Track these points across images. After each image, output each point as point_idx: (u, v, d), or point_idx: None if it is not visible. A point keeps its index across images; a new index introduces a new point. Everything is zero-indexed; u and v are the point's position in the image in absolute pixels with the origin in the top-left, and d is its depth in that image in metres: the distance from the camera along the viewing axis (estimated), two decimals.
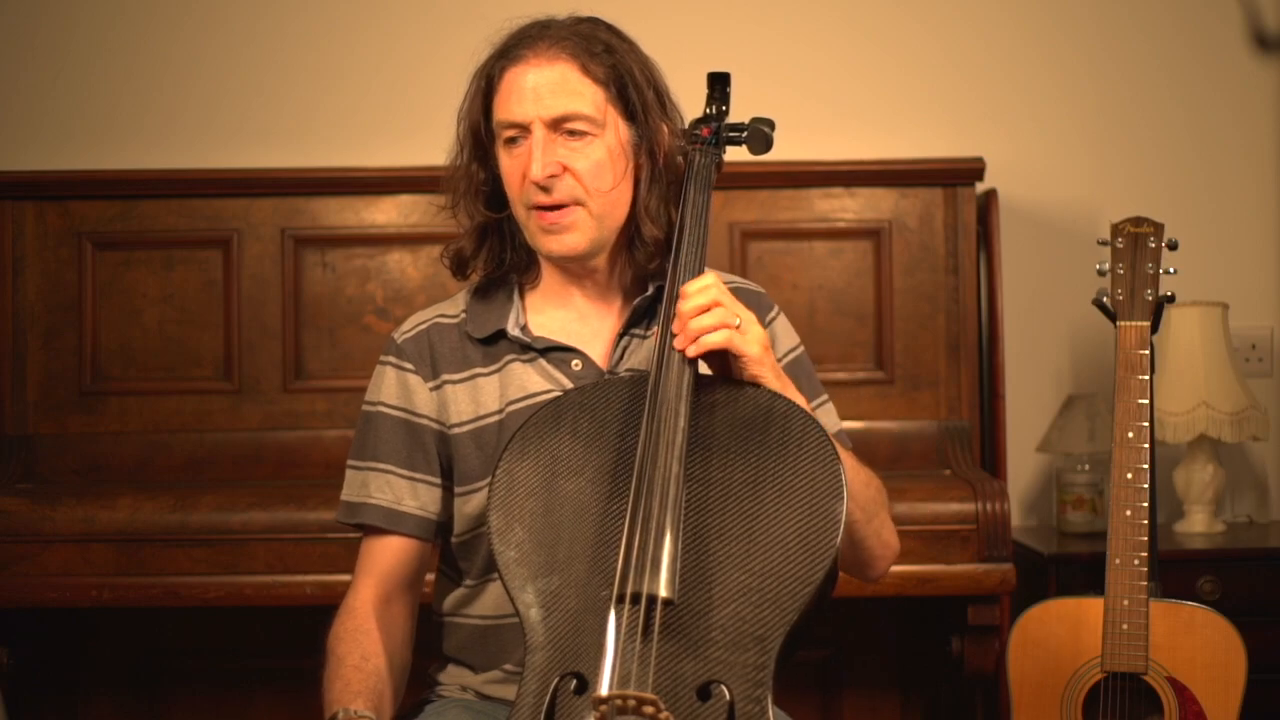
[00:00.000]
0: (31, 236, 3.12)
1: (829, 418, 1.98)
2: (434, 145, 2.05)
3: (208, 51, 3.37)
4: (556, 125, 1.86)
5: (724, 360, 1.79)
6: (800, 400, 1.80)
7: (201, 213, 3.15)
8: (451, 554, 1.97)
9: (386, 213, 3.16)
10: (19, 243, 3.11)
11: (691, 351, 1.74)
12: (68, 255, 3.12)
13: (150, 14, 3.37)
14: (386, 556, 1.93)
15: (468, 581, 1.95)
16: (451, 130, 2.00)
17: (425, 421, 1.94)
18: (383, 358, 1.98)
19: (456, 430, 1.93)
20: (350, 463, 1.97)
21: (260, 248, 3.14)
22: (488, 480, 1.79)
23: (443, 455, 1.94)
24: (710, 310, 1.75)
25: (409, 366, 1.95)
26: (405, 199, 3.16)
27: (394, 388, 1.95)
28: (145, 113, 3.36)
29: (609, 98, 1.88)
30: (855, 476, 1.81)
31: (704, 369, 1.81)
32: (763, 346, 1.78)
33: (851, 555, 1.90)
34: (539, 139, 1.86)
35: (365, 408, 1.97)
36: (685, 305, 1.75)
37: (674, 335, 1.76)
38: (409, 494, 1.93)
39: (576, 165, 1.86)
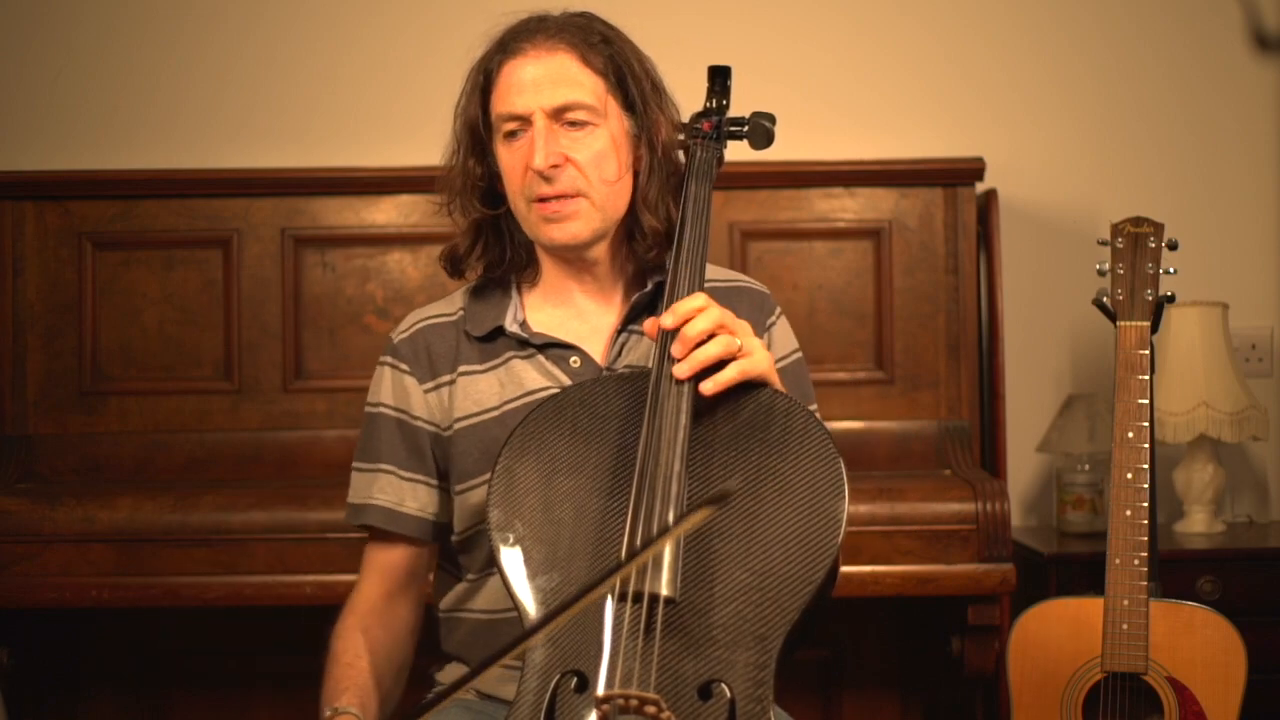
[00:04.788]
0: (31, 236, 3.11)
1: None
2: (433, 145, 2.05)
3: (208, 51, 3.37)
4: (558, 115, 1.87)
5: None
6: None
7: (201, 213, 3.15)
8: (452, 550, 1.98)
9: (386, 213, 3.16)
10: (19, 243, 3.11)
11: (708, 389, 1.72)
12: (68, 255, 3.12)
13: (150, 14, 3.37)
14: (389, 556, 1.96)
15: (469, 576, 1.95)
16: (451, 129, 2.00)
17: (421, 424, 1.95)
18: (382, 358, 1.99)
19: (457, 428, 1.93)
20: (355, 464, 1.99)
21: (260, 248, 3.14)
22: (487, 476, 1.79)
23: (439, 457, 1.95)
24: (714, 338, 1.73)
25: (405, 368, 1.96)
26: (405, 199, 3.16)
27: (391, 389, 1.96)
28: (145, 113, 3.36)
29: (608, 87, 1.89)
30: None
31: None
32: (770, 363, 1.78)
33: None
34: (541, 129, 1.86)
35: (367, 408, 1.99)
36: (689, 330, 1.72)
37: (675, 360, 1.72)
38: (409, 495, 1.94)
39: (578, 155, 1.87)
